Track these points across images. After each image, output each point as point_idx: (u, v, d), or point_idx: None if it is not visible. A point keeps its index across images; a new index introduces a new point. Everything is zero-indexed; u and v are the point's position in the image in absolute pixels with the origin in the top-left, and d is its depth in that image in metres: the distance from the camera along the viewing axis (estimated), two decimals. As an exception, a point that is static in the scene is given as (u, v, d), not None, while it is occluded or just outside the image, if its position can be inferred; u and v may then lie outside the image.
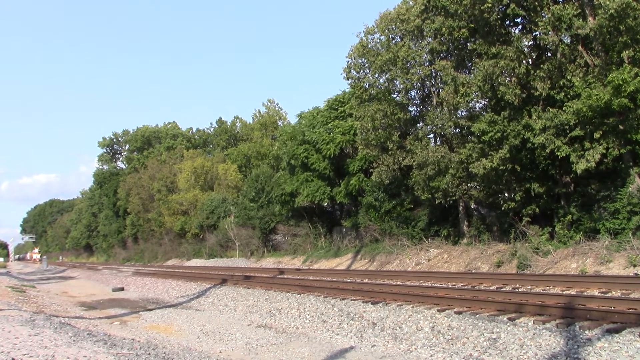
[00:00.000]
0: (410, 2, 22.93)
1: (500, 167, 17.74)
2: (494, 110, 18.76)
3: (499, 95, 17.90)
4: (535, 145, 16.93)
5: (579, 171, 16.06)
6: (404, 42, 22.28)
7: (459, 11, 18.64)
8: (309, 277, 19.93)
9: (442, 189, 20.55)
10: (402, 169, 23.84)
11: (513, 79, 17.89)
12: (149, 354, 8.21)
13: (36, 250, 72.70)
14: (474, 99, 19.69)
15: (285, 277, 21.30)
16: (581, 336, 7.30)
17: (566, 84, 16.96)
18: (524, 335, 7.81)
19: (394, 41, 23.17)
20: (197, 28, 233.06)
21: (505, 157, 17.44)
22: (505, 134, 17.52)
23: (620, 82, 14.61)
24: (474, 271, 18.03)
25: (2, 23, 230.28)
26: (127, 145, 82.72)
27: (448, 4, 18.96)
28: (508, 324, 8.40)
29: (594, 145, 15.87)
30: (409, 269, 21.12)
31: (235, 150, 58.28)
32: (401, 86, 22.72)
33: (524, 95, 17.85)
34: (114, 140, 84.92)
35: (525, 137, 17.22)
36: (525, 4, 17.45)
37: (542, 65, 17.42)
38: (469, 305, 9.89)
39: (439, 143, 22.93)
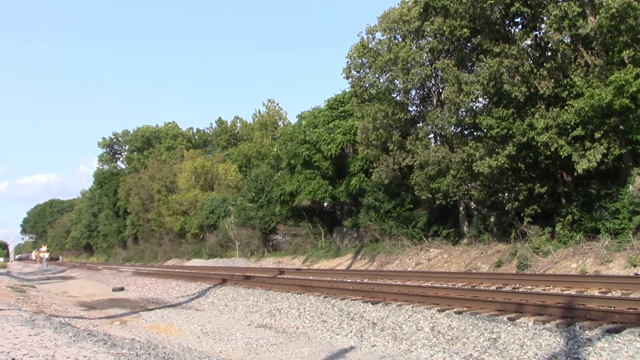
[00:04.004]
0: (410, 3, 22.90)
1: (505, 166, 17.73)
2: (497, 108, 18.71)
3: (503, 93, 17.88)
4: (539, 144, 16.92)
5: (580, 171, 16.05)
6: (405, 43, 22.26)
7: (459, 10, 18.62)
8: (309, 277, 19.93)
9: (442, 190, 20.54)
10: (402, 169, 23.84)
11: (517, 77, 17.88)
12: (149, 354, 8.21)
13: (44, 248, 69.27)
14: (478, 97, 19.65)
15: (285, 277, 21.30)
16: (581, 336, 7.29)
17: (569, 83, 16.95)
18: (524, 335, 7.81)
19: (395, 41, 23.15)
20: (197, 28, 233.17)
21: (511, 154, 17.42)
22: (510, 131, 17.51)
23: (623, 83, 14.60)
24: (474, 271, 18.03)
25: (2, 23, 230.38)
26: (127, 146, 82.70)
27: (448, 3, 18.94)
28: (508, 324, 8.40)
29: (594, 145, 15.86)
30: (409, 269, 21.11)
31: (235, 150, 58.28)
32: (401, 86, 22.71)
33: (528, 94, 17.85)
34: (114, 140, 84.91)
35: (530, 136, 17.21)
36: (528, 2, 17.45)
37: (544, 64, 17.42)
38: (469, 305, 9.89)
39: (439, 143, 22.92)
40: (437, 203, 21.79)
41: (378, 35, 23.78)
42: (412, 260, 22.08)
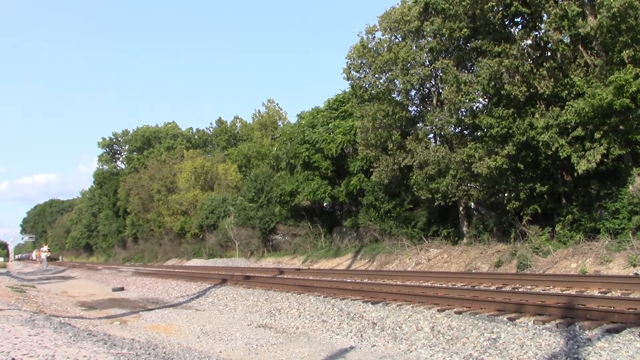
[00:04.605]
0: (409, 2, 22.89)
1: (504, 166, 17.72)
2: (497, 108, 18.70)
3: (503, 93, 17.89)
4: (539, 144, 16.92)
5: (580, 171, 16.06)
6: (406, 43, 22.24)
7: (458, 12, 18.62)
8: (309, 277, 19.93)
9: (442, 190, 20.53)
10: (402, 169, 23.84)
11: (517, 77, 17.88)
12: (149, 354, 8.21)
13: (45, 247, 68.23)
14: (477, 97, 19.64)
15: (285, 277, 21.30)
16: (581, 336, 7.29)
17: (569, 83, 16.96)
18: (524, 335, 7.81)
19: (395, 41, 23.14)
20: (197, 28, 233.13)
21: (511, 154, 17.43)
22: (510, 130, 17.52)
23: (623, 83, 14.60)
24: (474, 271, 18.03)
25: (2, 22, 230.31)
26: (127, 146, 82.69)
27: (447, 6, 18.93)
28: (508, 324, 8.40)
29: (594, 146, 15.87)
30: (409, 269, 21.11)
31: (235, 150, 58.27)
32: (401, 86, 22.71)
33: (528, 94, 17.86)
34: (114, 140, 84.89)
35: (529, 135, 17.21)
36: (528, 1, 17.46)
37: (544, 64, 17.43)
38: (469, 305, 9.89)
39: (438, 143, 22.91)
40: (435, 204, 21.78)
41: (378, 35, 23.79)
42: (412, 260, 22.08)
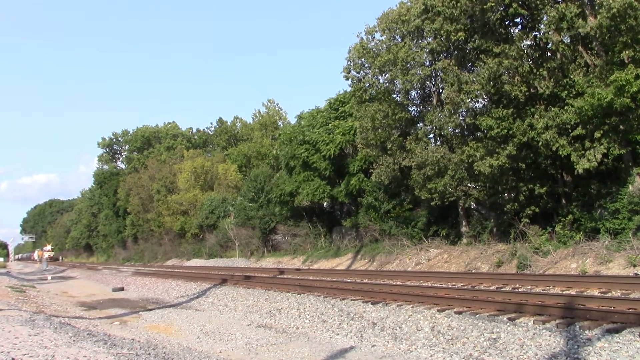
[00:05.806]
0: (409, 3, 22.89)
1: (506, 166, 17.71)
2: (496, 108, 18.72)
3: (503, 93, 17.87)
4: (539, 144, 16.91)
5: (580, 171, 16.06)
6: (405, 43, 22.24)
7: (455, 14, 18.62)
8: (309, 277, 19.93)
9: (439, 191, 20.52)
10: (402, 169, 23.84)
11: (517, 77, 17.88)
12: (149, 354, 8.21)
13: (48, 247, 66.61)
14: (478, 97, 19.64)
15: (285, 277, 21.31)
16: (581, 336, 7.29)
17: (569, 83, 16.96)
18: (524, 335, 7.81)
19: (394, 41, 23.14)
20: (198, 28, 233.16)
21: (512, 154, 17.43)
22: (510, 131, 17.52)
23: (624, 83, 14.60)
24: (474, 271, 18.03)
25: (1, 22, 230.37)
26: (127, 146, 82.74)
27: (444, 9, 18.93)
28: (508, 324, 8.41)
29: (594, 145, 15.88)
30: (409, 269, 21.11)
31: (235, 150, 58.28)
32: (401, 87, 22.70)
33: (527, 94, 17.86)
34: (114, 140, 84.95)
35: (530, 136, 17.20)
36: (527, 3, 17.46)
37: (544, 64, 17.42)
38: (469, 305, 9.89)
39: (438, 143, 22.90)
40: (432, 203, 21.78)
41: (377, 35, 23.80)
42: (412, 260, 22.08)
